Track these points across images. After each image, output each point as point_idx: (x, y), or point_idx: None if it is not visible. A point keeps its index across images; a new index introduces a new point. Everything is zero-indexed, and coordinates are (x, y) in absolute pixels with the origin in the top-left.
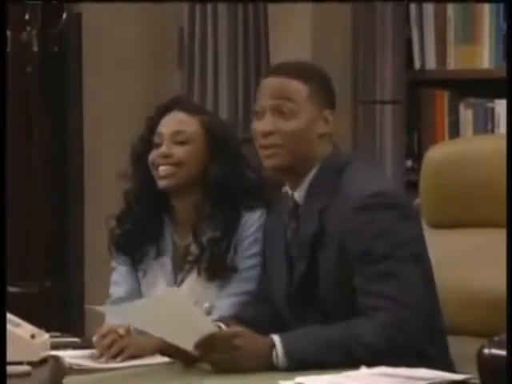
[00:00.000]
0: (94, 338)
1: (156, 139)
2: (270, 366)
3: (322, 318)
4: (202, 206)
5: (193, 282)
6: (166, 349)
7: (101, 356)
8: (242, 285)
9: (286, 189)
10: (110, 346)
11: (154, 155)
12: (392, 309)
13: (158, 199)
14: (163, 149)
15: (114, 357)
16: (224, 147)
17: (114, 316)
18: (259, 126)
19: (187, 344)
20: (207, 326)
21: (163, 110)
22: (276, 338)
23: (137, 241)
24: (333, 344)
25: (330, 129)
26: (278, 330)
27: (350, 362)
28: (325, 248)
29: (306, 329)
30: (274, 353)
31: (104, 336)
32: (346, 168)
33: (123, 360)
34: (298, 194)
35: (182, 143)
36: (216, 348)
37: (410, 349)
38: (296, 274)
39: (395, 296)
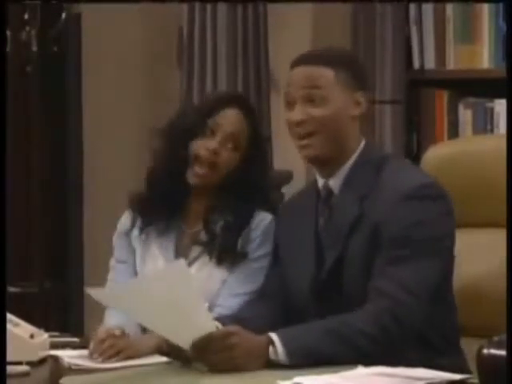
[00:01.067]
0: (91, 345)
1: (208, 130)
2: (267, 365)
3: (346, 306)
4: (217, 197)
5: (201, 267)
6: (164, 349)
7: (98, 358)
8: (246, 286)
9: (317, 178)
10: (107, 350)
11: (200, 146)
12: (395, 295)
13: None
14: (214, 144)
15: (110, 357)
16: (262, 142)
17: (110, 301)
18: (291, 116)
19: (183, 341)
20: (206, 318)
21: (224, 103)
22: (273, 334)
23: (159, 206)
24: (330, 333)
25: (362, 110)
26: (281, 326)
27: (348, 350)
28: (359, 234)
29: (301, 324)
30: (271, 349)
31: (102, 341)
32: (387, 162)
33: (119, 361)
34: (334, 183)
35: (232, 148)
36: (212, 348)
37: (406, 337)
38: (327, 261)
39: (405, 283)
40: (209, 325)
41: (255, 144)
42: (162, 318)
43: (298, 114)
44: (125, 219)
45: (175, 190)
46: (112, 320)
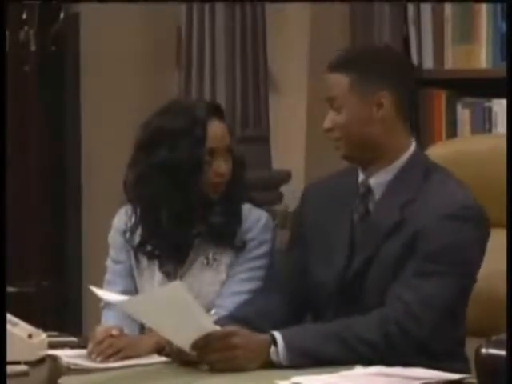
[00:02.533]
0: (90, 345)
1: (207, 155)
2: (268, 364)
3: (366, 307)
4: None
5: (199, 270)
6: (162, 349)
7: (97, 358)
8: (244, 284)
9: (359, 175)
10: (106, 350)
11: (212, 176)
12: (410, 305)
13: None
14: (222, 168)
15: (109, 357)
16: (234, 148)
17: (115, 304)
18: (324, 123)
19: (184, 343)
20: (207, 323)
21: (209, 114)
22: (276, 333)
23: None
24: (332, 337)
25: (385, 112)
26: (292, 320)
27: (349, 355)
28: (395, 239)
29: (305, 325)
30: (273, 349)
31: (100, 341)
32: (434, 172)
33: (118, 361)
34: (375, 182)
35: (227, 159)
36: (213, 348)
37: (408, 347)
38: (357, 260)
39: (425, 297)
40: (209, 326)
41: (233, 146)
42: (164, 323)
43: (327, 121)
44: (119, 218)
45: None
46: (110, 320)
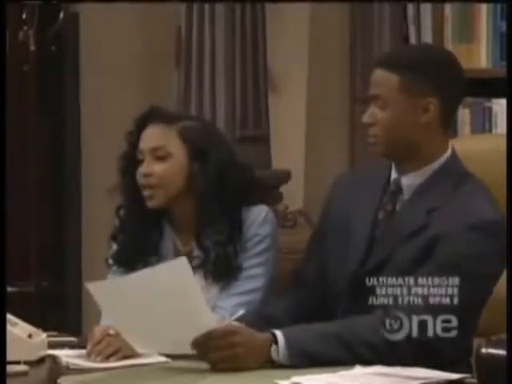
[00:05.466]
0: (89, 346)
1: (139, 155)
2: (268, 364)
3: (374, 309)
4: (200, 213)
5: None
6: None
7: (95, 357)
8: (245, 284)
9: (392, 172)
10: (104, 350)
11: (138, 174)
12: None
13: (152, 212)
14: (144, 168)
15: (108, 357)
16: (206, 155)
17: (108, 297)
18: (363, 117)
19: (184, 337)
20: (206, 316)
21: (141, 124)
22: (277, 332)
23: (136, 254)
24: (334, 338)
25: (430, 118)
26: (305, 319)
27: (349, 357)
28: (415, 242)
29: (308, 324)
30: (274, 348)
31: (98, 342)
32: (466, 180)
33: (117, 361)
34: (407, 182)
35: (162, 158)
36: (214, 346)
37: (409, 351)
38: (373, 258)
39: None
40: (210, 322)
41: (198, 149)
42: (161, 315)
43: (367, 116)
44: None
45: (147, 220)
46: (108, 319)
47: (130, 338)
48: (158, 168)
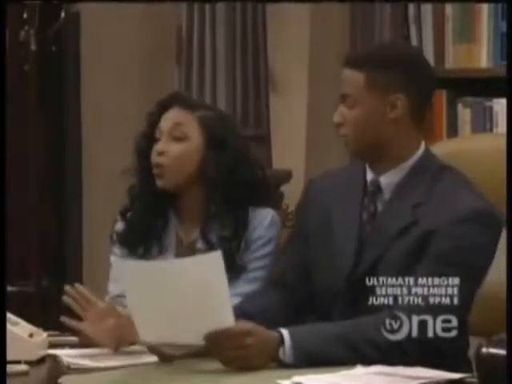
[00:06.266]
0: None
1: (157, 134)
2: (274, 363)
3: (374, 308)
4: (207, 203)
5: None
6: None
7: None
8: (249, 285)
9: (367, 173)
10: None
11: (153, 152)
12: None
13: (162, 196)
14: (159, 146)
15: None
16: (223, 144)
17: (130, 273)
18: (333, 117)
19: (197, 332)
20: (227, 313)
21: (163, 106)
22: (284, 332)
23: (140, 236)
24: (340, 340)
25: (398, 114)
26: (292, 318)
27: (355, 359)
28: (406, 240)
29: (313, 324)
30: (281, 348)
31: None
32: (445, 173)
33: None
34: (386, 182)
35: (179, 139)
36: (228, 345)
37: (414, 349)
38: (367, 259)
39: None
40: (229, 320)
41: (216, 140)
42: (182, 304)
43: (337, 115)
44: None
45: (156, 204)
46: (116, 289)
47: (139, 323)
48: (173, 148)
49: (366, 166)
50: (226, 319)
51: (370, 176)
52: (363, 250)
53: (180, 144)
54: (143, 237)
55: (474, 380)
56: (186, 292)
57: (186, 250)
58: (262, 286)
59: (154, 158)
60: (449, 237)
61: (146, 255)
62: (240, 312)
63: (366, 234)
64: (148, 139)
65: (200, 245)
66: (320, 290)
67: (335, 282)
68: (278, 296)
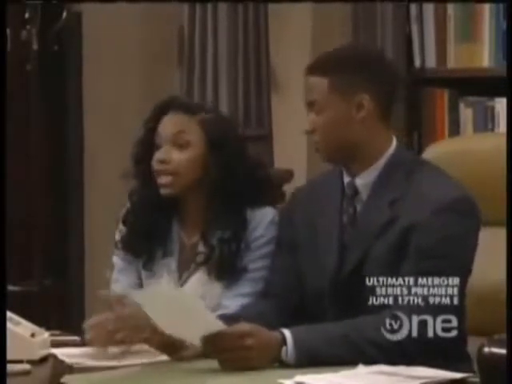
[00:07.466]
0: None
1: (157, 140)
2: (276, 363)
3: (364, 308)
4: (209, 205)
5: (198, 280)
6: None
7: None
8: (251, 285)
9: (344, 176)
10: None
11: (154, 160)
12: (419, 309)
13: (164, 200)
14: (162, 154)
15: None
16: (225, 146)
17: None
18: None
19: (193, 338)
20: (213, 323)
21: (161, 111)
22: (286, 332)
23: (143, 242)
24: (342, 340)
25: (365, 112)
26: (288, 324)
27: (357, 358)
28: (387, 237)
29: (315, 325)
30: (283, 349)
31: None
32: (419, 166)
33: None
34: (361, 182)
35: (181, 146)
36: (226, 346)
37: (416, 347)
38: (350, 260)
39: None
40: (215, 324)
41: (218, 141)
42: (179, 323)
43: (307, 123)
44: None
45: (157, 209)
46: (118, 287)
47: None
48: (175, 155)
49: (343, 169)
50: (214, 325)
51: (346, 179)
52: (345, 253)
53: (183, 152)
54: (147, 241)
55: (476, 379)
56: (175, 312)
57: (189, 253)
58: (255, 298)
59: (157, 166)
60: (429, 230)
61: (150, 260)
62: (237, 318)
63: (348, 236)
64: (147, 145)
65: (201, 248)
66: (310, 293)
67: (322, 286)
68: (271, 306)
